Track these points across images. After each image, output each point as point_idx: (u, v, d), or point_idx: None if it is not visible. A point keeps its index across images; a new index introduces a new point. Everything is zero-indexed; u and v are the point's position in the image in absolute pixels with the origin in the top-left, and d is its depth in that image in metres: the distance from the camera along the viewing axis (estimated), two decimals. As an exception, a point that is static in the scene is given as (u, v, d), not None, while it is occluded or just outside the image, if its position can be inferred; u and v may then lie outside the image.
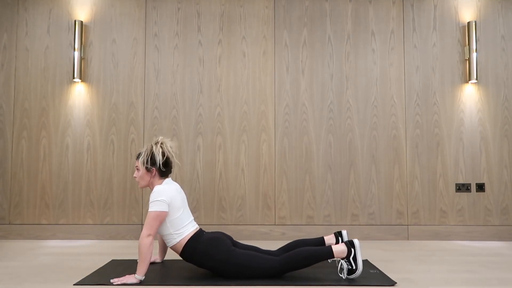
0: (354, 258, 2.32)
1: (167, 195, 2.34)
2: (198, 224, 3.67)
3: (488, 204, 3.68)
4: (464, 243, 3.56)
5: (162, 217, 2.31)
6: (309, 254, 2.34)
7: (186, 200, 2.52)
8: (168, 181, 2.46)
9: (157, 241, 3.38)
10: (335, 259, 2.40)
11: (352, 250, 2.32)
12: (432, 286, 2.25)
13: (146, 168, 2.42)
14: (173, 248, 2.41)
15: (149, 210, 2.31)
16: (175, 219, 2.36)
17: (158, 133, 3.71)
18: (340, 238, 2.62)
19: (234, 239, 3.63)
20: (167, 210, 2.32)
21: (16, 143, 3.72)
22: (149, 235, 2.26)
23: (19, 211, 3.68)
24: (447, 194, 3.70)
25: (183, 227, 2.39)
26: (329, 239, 2.62)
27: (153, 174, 2.44)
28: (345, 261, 2.33)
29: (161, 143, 2.44)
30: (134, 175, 2.48)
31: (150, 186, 2.47)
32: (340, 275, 2.35)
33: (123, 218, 3.68)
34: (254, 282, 2.28)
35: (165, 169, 2.45)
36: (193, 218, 2.52)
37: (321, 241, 2.61)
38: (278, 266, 2.33)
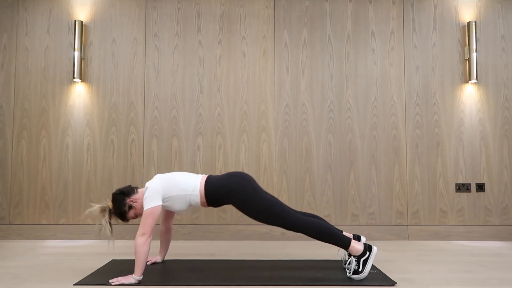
0: (365, 262, 2.32)
1: (153, 187, 2.36)
2: (198, 225, 3.67)
3: (488, 204, 3.68)
4: (464, 243, 3.56)
5: (155, 213, 2.32)
6: (331, 231, 2.37)
7: (177, 174, 2.51)
8: (148, 184, 2.44)
9: (158, 241, 3.38)
10: (346, 258, 2.42)
11: (367, 253, 2.33)
12: (432, 286, 2.25)
13: (130, 207, 2.44)
14: (202, 204, 2.45)
15: (145, 207, 2.34)
16: (178, 183, 2.40)
17: (158, 133, 3.71)
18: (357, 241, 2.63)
19: (234, 239, 3.65)
20: (159, 203, 2.34)
21: (16, 143, 3.72)
22: (142, 234, 2.27)
23: (19, 211, 3.68)
24: (447, 194, 3.70)
25: (191, 180, 2.43)
26: (347, 235, 2.63)
27: (133, 200, 2.43)
28: (355, 260, 2.33)
29: (107, 209, 2.44)
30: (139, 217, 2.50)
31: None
32: (347, 271, 2.35)
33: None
34: (253, 282, 2.28)
35: (124, 191, 2.45)
36: (194, 174, 2.54)
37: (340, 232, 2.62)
38: (297, 222, 2.34)
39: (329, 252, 3.16)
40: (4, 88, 3.74)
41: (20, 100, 3.74)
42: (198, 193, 2.43)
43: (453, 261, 2.88)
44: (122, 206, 2.42)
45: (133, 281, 2.24)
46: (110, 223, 2.42)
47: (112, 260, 2.86)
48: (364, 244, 2.36)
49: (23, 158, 3.71)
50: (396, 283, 2.29)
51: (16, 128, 3.72)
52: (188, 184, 2.44)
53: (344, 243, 2.35)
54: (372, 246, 2.35)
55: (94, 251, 3.18)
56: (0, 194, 3.69)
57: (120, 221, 2.49)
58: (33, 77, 3.75)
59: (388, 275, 2.43)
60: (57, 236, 3.65)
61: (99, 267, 2.67)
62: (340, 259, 2.66)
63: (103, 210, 2.43)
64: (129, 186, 2.54)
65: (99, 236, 2.46)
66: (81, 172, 3.70)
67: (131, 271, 2.38)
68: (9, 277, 2.43)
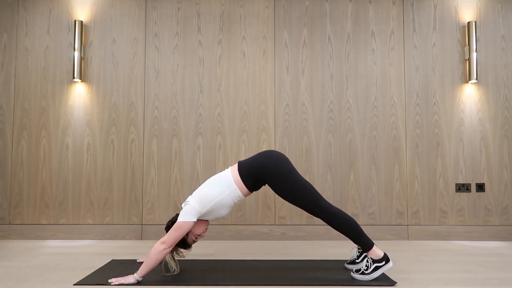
0: (377, 268, 2.32)
1: (192, 205, 2.35)
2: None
3: (488, 204, 3.68)
4: (464, 243, 3.56)
5: (184, 228, 2.29)
6: (357, 227, 2.37)
7: (209, 181, 2.48)
8: (185, 203, 2.41)
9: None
10: (356, 261, 2.44)
11: (384, 262, 2.33)
12: (432, 286, 2.25)
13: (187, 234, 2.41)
14: (244, 194, 2.41)
15: (178, 221, 2.32)
16: (211, 193, 2.36)
17: (158, 133, 3.71)
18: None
19: (234, 239, 3.65)
20: (193, 220, 2.32)
21: (16, 143, 3.72)
22: (163, 242, 2.25)
23: (19, 211, 3.68)
24: (447, 194, 3.70)
25: (223, 179, 2.39)
26: None
27: (193, 223, 2.38)
28: (370, 261, 2.33)
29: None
30: (203, 234, 2.50)
31: (202, 222, 2.46)
32: (363, 266, 2.35)
33: (123, 218, 3.68)
34: (254, 282, 2.27)
35: (173, 219, 2.44)
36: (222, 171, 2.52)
37: None
38: (332, 212, 2.33)
39: (329, 252, 3.16)
40: (4, 88, 3.74)
41: (20, 100, 3.74)
42: (236, 186, 2.38)
43: (453, 261, 2.88)
44: (181, 237, 2.37)
45: (132, 280, 2.24)
46: (173, 257, 2.40)
47: (112, 260, 2.85)
48: (385, 253, 2.37)
49: (23, 158, 3.71)
50: (396, 283, 2.29)
51: (16, 128, 3.72)
52: (222, 185, 2.38)
53: (367, 243, 2.35)
54: (390, 260, 2.36)
55: (94, 251, 3.18)
56: (0, 194, 3.69)
57: (186, 250, 2.47)
58: (33, 77, 3.75)
59: (388, 275, 2.43)
60: (57, 236, 3.65)
61: (99, 267, 2.67)
62: (350, 259, 2.66)
63: (171, 256, 2.41)
64: (177, 214, 2.47)
65: (163, 272, 2.43)
66: (81, 172, 3.70)
67: (131, 271, 2.38)
68: (9, 277, 2.43)
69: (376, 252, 2.35)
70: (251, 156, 2.76)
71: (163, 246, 2.25)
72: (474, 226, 3.67)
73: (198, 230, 2.45)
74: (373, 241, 3.59)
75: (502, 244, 3.50)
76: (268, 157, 2.41)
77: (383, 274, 2.44)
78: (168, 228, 2.44)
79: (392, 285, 2.24)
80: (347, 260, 2.67)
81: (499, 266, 2.72)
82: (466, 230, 3.66)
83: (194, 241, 2.49)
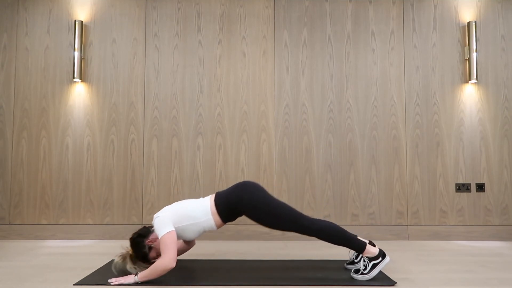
0: (374, 265, 2.32)
1: (162, 217, 2.35)
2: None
3: (488, 204, 3.68)
4: (464, 243, 3.56)
5: (172, 237, 2.28)
6: (345, 234, 2.36)
7: (183, 202, 2.50)
8: (156, 216, 2.41)
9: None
10: (355, 261, 2.43)
11: (380, 258, 2.33)
12: (432, 286, 2.25)
13: (150, 249, 2.40)
14: (217, 225, 2.42)
15: (160, 234, 2.29)
16: (187, 212, 2.38)
17: (158, 133, 3.71)
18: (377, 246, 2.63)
19: (234, 239, 3.64)
20: (172, 229, 2.31)
21: (16, 143, 3.72)
22: (170, 259, 2.22)
23: (19, 211, 3.68)
24: (447, 194, 3.70)
25: (200, 206, 2.40)
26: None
27: (152, 240, 2.39)
28: (367, 260, 2.33)
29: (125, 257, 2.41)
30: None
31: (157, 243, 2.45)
32: (361, 265, 2.35)
33: (123, 218, 3.68)
34: (254, 282, 2.27)
35: (142, 233, 2.42)
36: (201, 197, 2.53)
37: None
38: (316, 228, 2.34)
39: (329, 252, 3.16)
40: (4, 88, 3.74)
41: (20, 100, 3.74)
42: (211, 216, 2.41)
43: (453, 261, 2.88)
44: (142, 248, 2.38)
45: (132, 281, 2.24)
46: (135, 268, 2.37)
47: (112, 260, 2.85)
48: (380, 249, 2.37)
49: (23, 158, 3.71)
50: (396, 283, 2.29)
51: (16, 128, 3.72)
52: (199, 211, 2.41)
53: (360, 245, 2.35)
54: (386, 254, 2.36)
55: (94, 251, 3.18)
56: (0, 194, 3.69)
57: (145, 264, 2.42)
58: (33, 77, 3.75)
59: (388, 275, 2.43)
60: (57, 236, 3.65)
61: (99, 267, 2.67)
62: (349, 259, 2.65)
63: (124, 258, 2.40)
64: (144, 227, 2.49)
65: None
66: (81, 172, 3.70)
67: (130, 272, 2.38)
68: (9, 277, 2.43)
69: (371, 250, 2.35)
70: (228, 187, 2.73)
71: (166, 262, 2.21)
72: (474, 226, 3.67)
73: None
74: (373, 241, 3.60)
75: (502, 244, 3.50)
76: (243, 191, 2.40)
77: (383, 274, 2.44)
78: (133, 240, 2.41)
79: (392, 285, 2.25)
80: (347, 261, 2.67)
81: (499, 266, 2.72)
82: (466, 230, 3.66)
83: (155, 258, 2.43)
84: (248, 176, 3.69)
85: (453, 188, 3.70)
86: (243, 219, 3.67)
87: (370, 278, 2.31)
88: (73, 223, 3.68)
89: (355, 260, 2.58)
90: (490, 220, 3.67)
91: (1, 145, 3.71)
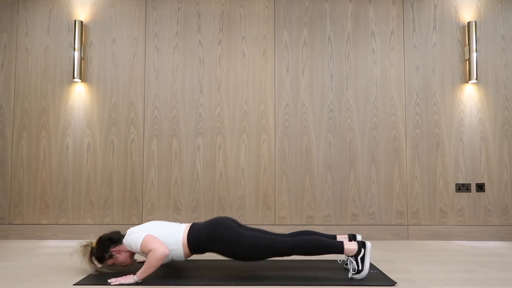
0: (362, 259, 2.32)
1: (137, 230, 2.37)
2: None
3: (488, 204, 3.68)
4: (464, 243, 3.56)
5: (151, 236, 2.30)
6: (320, 243, 2.34)
7: (159, 221, 2.51)
8: (130, 231, 2.42)
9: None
10: (344, 259, 2.41)
11: (362, 250, 2.32)
12: (432, 286, 2.25)
13: (111, 257, 2.40)
14: (185, 256, 2.41)
15: (140, 241, 2.30)
16: (162, 234, 2.37)
17: (158, 133, 3.71)
18: (353, 240, 2.62)
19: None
20: (148, 233, 2.33)
21: (16, 143, 3.72)
22: (156, 249, 2.23)
23: (19, 211, 3.68)
24: (447, 194, 3.70)
25: (174, 233, 2.38)
26: (341, 238, 2.62)
27: (117, 251, 2.40)
28: (353, 259, 2.33)
29: (89, 246, 2.42)
30: (121, 267, 2.48)
31: (131, 257, 2.45)
32: (350, 271, 2.35)
33: (123, 218, 3.68)
34: (254, 282, 2.28)
35: (113, 237, 2.43)
36: (178, 223, 2.51)
37: (333, 238, 2.61)
38: (287, 248, 2.31)
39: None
40: (4, 88, 3.74)
41: (20, 100, 3.74)
42: (181, 247, 2.38)
43: (453, 261, 2.88)
44: (104, 252, 2.39)
45: (132, 281, 2.24)
46: (91, 262, 2.39)
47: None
48: (358, 242, 2.36)
49: (23, 158, 3.71)
50: (396, 283, 2.29)
51: (16, 128, 3.72)
52: (171, 240, 2.37)
53: (337, 249, 2.34)
54: (366, 242, 2.35)
55: (94, 251, 3.17)
56: (0, 194, 3.69)
57: (97, 264, 2.42)
58: (33, 77, 3.75)
59: (388, 275, 2.43)
60: (57, 236, 3.65)
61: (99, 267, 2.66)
62: (339, 262, 2.65)
63: (85, 248, 2.41)
64: (118, 233, 2.49)
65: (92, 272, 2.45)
66: (81, 172, 3.70)
67: (131, 271, 2.38)
68: (9, 277, 2.43)
69: (350, 248, 2.33)
70: (205, 220, 2.69)
71: (159, 251, 2.23)
72: (474, 226, 3.67)
73: (121, 259, 2.42)
74: (373, 241, 3.60)
75: (502, 244, 3.50)
76: (214, 232, 2.35)
77: (383, 274, 2.44)
78: (101, 241, 2.41)
79: (392, 285, 2.25)
80: (346, 262, 2.66)
81: (499, 266, 2.72)
82: (466, 230, 3.66)
83: (109, 265, 2.43)
84: (248, 176, 3.69)
85: (453, 188, 3.70)
86: (243, 218, 3.67)
87: (367, 271, 2.30)
88: (73, 223, 3.68)
89: (347, 263, 2.57)
90: (490, 220, 3.67)
91: (1, 145, 3.71)
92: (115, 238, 2.44)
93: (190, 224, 2.47)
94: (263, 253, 2.33)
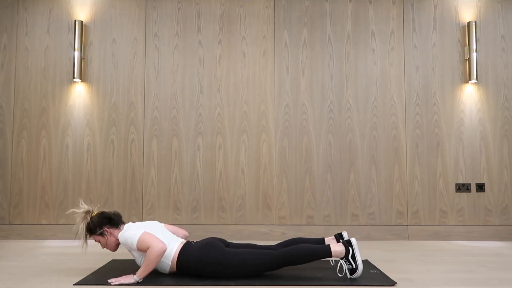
0: (353, 257, 2.31)
1: (135, 227, 2.37)
2: (199, 225, 3.67)
3: (488, 204, 3.68)
4: (464, 243, 3.56)
5: (149, 234, 2.30)
6: (307, 251, 2.33)
7: (158, 225, 2.50)
8: (128, 226, 2.44)
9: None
10: (336, 259, 2.40)
11: (350, 249, 2.32)
12: (432, 286, 2.25)
13: (101, 234, 2.41)
14: (170, 271, 2.40)
15: (137, 238, 2.29)
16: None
17: (158, 133, 3.71)
18: (340, 240, 2.61)
19: (234, 239, 3.64)
20: (143, 230, 2.33)
21: (16, 143, 3.72)
22: (154, 246, 2.23)
23: (19, 211, 3.68)
24: (447, 194, 3.70)
25: (168, 246, 2.36)
26: (329, 240, 2.61)
27: (109, 232, 2.42)
28: (345, 261, 2.33)
29: (90, 214, 2.43)
30: (103, 247, 2.48)
31: (116, 245, 2.46)
32: (340, 275, 2.35)
33: (123, 218, 3.66)
34: (254, 282, 2.27)
35: (113, 219, 2.44)
36: (175, 236, 2.50)
37: (321, 241, 2.60)
38: (275, 261, 2.31)
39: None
40: (4, 88, 3.74)
41: (20, 100, 3.74)
42: (170, 262, 2.36)
43: (453, 261, 2.88)
44: (97, 227, 2.40)
45: (132, 281, 2.24)
46: (83, 230, 2.40)
47: (112, 260, 2.85)
48: (343, 242, 2.35)
49: (23, 158, 3.71)
50: (396, 283, 2.29)
51: (16, 128, 3.72)
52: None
53: (325, 253, 2.32)
54: (351, 239, 2.34)
55: (94, 251, 3.17)
56: (0, 194, 3.69)
57: (85, 234, 2.43)
58: (33, 77, 3.75)
59: (388, 275, 2.43)
60: (57, 236, 3.65)
61: (99, 267, 2.66)
62: (332, 264, 2.64)
63: (85, 215, 2.42)
64: (120, 217, 2.51)
65: (74, 236, 2.47)
66: (81, 172, 3.70)
67: (131, 271, 2.38)
68: (9, 277, 2.43)
69: (338, 250, 2.32)
70: (200, 240, 2.65)
71: (158, 247, 2.23)
72: (474, 226, 3.67)
73: (108, 242, 2.43)
74: (373, 241, 3.60)
75: (502, 244, 3.50)
76: (203, 255, 2.32)
77: (383, 274, 2.44)
78: (100, 216, 2.43)
79: (392, 285, 2.24)
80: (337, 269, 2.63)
81: (499, 266, 2.72)
82: (466, 230, 3.66)
83: (96, 241, 2.46)
84: (248, 176, 3.69)
85: (453, 188, 3.70)
86: (243, 218, 3.67)
87: (361, 266, 2.30)
88: (73, 223, 3.65)
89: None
90: (490, 220, 3.67)
91: (1, 145, 3.71)
92: (114, 221, 2.46)
93: (184, 242, 2.43)
94: (254, 269, 2.32)
